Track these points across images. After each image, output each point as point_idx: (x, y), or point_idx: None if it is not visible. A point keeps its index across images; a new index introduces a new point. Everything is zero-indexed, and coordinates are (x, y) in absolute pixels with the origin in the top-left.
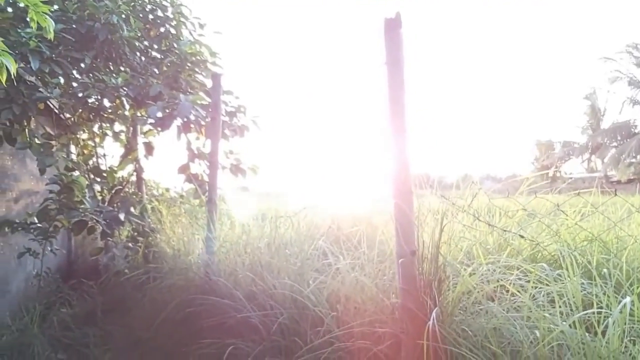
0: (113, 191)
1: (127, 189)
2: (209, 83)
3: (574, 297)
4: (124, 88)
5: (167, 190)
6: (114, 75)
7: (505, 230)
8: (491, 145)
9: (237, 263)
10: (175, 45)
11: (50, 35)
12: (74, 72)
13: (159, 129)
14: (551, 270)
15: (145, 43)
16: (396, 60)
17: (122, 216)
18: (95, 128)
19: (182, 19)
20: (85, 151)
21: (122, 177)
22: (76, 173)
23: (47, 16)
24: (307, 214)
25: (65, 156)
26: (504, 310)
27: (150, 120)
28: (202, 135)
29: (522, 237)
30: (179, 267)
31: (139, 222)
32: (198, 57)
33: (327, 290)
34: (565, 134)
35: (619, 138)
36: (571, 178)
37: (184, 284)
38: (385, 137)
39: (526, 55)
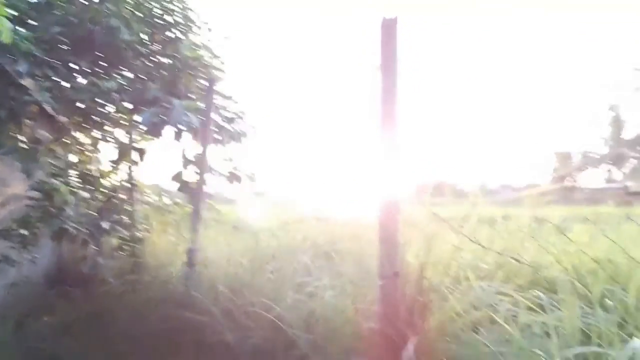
0: (106, 198)
1: (120, 196)
2: None
3: (570, 331)
4: (117, 92)
5: (161, 196)
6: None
7: (499, 253)
8: (510, 155)
9: (217, 277)
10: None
11: (6, 38)
12: (74, 75)
13: (151, 135)
14: (549, 298)
15: (152, 48)
16: (390, 60)
17: (106, 225)
18: (97, 133)
19: (189, 23)
20: (82, 156)
21: (118, 183)
22: (61, 180)
23: (4, 19)
24: (293, 227)
25: (51, 162)
26: (492, 342)
27: (143, 127)
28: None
29: (517, 260)
30: (159, 279)
31: (124, 230)
32: (200, 61)
33: (306, 311)
34: (587, 144)
35: (639, 149)
36: (588, 189)
37: (163, 296)
38: (375, 146)
39: (552, 65)
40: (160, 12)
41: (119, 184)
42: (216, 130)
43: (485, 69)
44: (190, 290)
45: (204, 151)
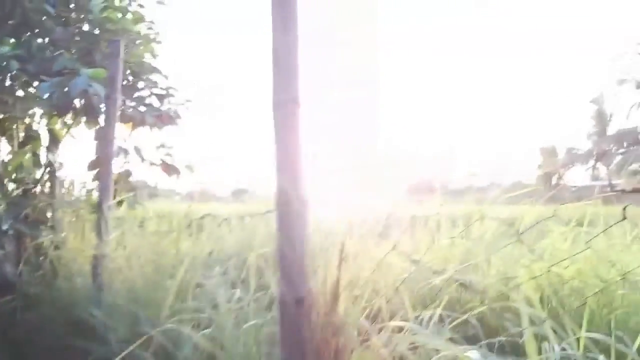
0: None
1: (34, 191)
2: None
3: None
4: (19, 61)
5: (91, 192)
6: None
7: (436, 273)
8: (497, 152)
9: (120, 292)
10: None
11: None
12: None
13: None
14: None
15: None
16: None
17: (5, 225)
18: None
19: None
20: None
21: (38, 177)
22: None
23: None
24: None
25: None
26: None
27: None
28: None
29: (462, 284)
30: (59, 294)
31: (28, 232)
32: (123, 27)
33: (205, 352)
34: (571, 139)
35: (625, 144)
36: (574, 187)
37: (57, 316)
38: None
39: (534, 55)
40: None
41: (35, 176)
42: (140, 111)
43: (470, 64)
44: (89, 309)
45: (112, 133)
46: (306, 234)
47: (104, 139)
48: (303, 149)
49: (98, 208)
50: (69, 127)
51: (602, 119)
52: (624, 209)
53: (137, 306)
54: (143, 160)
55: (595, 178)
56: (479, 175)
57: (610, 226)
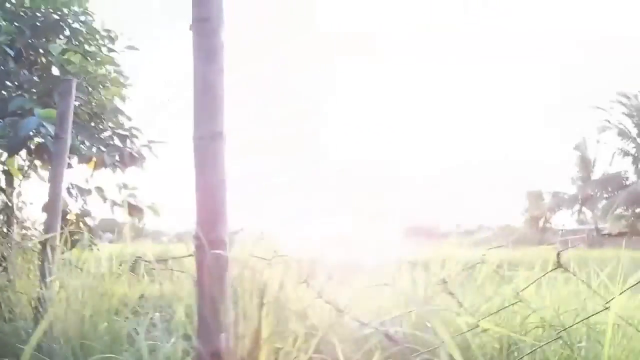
0: None
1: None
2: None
3: None
4: None
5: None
6: None
7: (362, 324)
8: (485, 195)
9: (58, 339)
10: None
11: None
12: None
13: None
14: None
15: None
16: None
17: None
18: None
19: (81, 27)
20: None
21: None
22: None
23: None
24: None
25: None
26: None
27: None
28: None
29: (390, 339)
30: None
31: None
32: (85, 69)
33: None
34: (555, 184)
35: (609, 189)
36: (561, 230)
37: None
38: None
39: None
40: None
41: None
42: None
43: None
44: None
45: (60, 175)
46: (224, 282)
47: (52, 179)
48: (226, 189)
49: (42, 249)
50: (34, 167)
51: (585, 165)
52: (558, 254)
53: (71, 354)
54: (105, 200)
55: (581, 222)
56: (466, 218)
57: (545, 274)
